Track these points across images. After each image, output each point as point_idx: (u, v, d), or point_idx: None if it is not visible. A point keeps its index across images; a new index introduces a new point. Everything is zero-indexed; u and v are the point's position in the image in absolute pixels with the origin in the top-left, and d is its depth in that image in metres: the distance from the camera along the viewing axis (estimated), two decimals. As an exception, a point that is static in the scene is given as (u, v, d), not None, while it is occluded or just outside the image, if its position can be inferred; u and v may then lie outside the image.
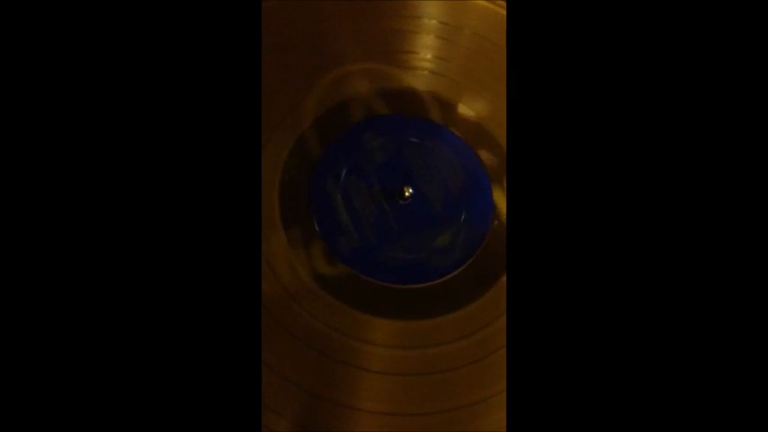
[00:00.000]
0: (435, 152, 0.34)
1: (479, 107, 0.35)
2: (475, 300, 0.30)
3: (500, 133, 0.35)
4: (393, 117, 0.34)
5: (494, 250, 0.32)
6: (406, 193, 0.32)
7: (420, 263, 0.31)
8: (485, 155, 0.34)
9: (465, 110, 0.35)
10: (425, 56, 0.36)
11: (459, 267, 0.31)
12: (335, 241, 0.31)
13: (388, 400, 0.28)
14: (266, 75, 0.32)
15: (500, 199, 0.33)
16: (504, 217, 0.33)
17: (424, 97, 0.35)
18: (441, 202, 0.33)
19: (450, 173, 0.33)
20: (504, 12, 0.38)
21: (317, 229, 0.31)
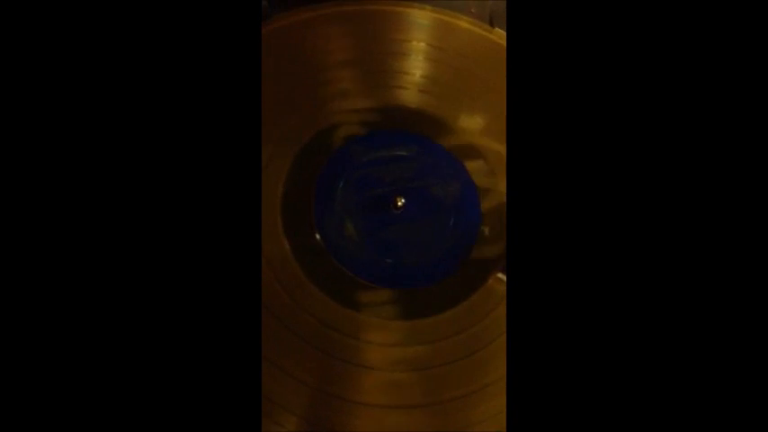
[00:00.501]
0: (426, 164, 0.35)
1: (465, 121, 0.37)
2: (465, 300, 0.32)
3: (484, 144, 0.36)
4: (386, 132, 0.36)
5: (482, 254, 0.33)
6: (399, 203, 0.33)
7: (413, 267, 0.32)
8: (471, 165, 0.36)
9: (452, 124, 0.37)
10: (415, 75, 0.38)
11: (451, 271, 0.32)
12: (335, 248, 0.32)
13: (387, 394, 0.29)
14: (266, 94, 0.34)
15: (487, 206, 0.35)
16: (492, 224, 0.34)
17: (415, 113, 0.37)
18: (431, 210, 0.34)
19: (439, 183, 0.35)
20: (487, 34, 0.40)
21: (318, 236, 0.32)
